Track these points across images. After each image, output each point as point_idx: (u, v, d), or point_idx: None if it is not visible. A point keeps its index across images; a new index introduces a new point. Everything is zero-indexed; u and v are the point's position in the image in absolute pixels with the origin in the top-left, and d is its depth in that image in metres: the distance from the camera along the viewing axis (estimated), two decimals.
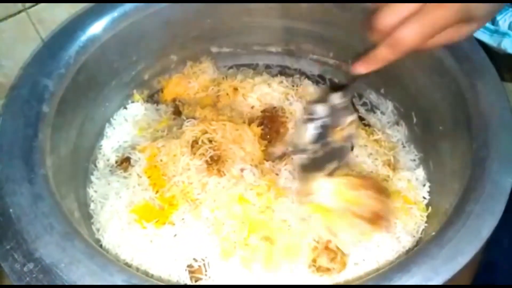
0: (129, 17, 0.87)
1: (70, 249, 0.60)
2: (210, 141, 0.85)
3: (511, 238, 0.84)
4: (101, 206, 0.83)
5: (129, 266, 0.75)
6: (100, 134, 0.95)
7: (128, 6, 0.87)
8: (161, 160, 0.85)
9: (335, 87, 0.67)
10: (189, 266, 0.76)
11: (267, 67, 1.11)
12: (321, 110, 0.67)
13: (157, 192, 0.82)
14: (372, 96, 1.04)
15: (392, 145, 0.95)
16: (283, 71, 1.10)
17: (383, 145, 0.94)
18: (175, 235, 0.78)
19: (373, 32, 0.53)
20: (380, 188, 0.76)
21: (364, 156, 0.90)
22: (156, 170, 0.84)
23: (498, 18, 0.91)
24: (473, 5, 0.51)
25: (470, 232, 0.63)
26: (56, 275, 0.58)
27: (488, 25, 0.92)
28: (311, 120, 0.68)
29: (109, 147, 0.93)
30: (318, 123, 0.68)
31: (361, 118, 1.00)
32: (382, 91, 1.02)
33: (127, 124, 0.96)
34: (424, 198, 0.87)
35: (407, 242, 0.80)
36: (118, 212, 0.80)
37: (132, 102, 1.00)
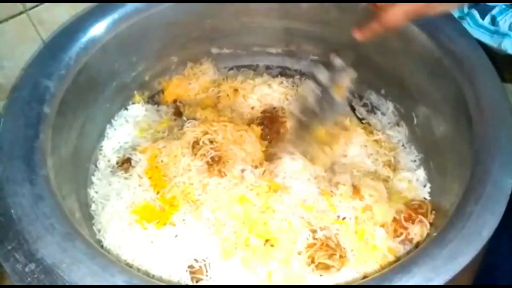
0: (130, 18, 0.87)
1: (71, 250, 0.60)
2: (211, 142, 0.85)
3: None
4: (102, 207, 0.83)
5: (130, 266, 0.75)
6: (101, 135, 0.95)
7: (128, 7, 0.87)
8: (162, 161, 0.85)
9: (335, 49, 0.74)
10: (190, 266, 0.77)
11: (268, 68, 1.11)
12: (322, 72, 0.75)
13: (158, 192, 0.82)
14: (373, 97, 1.04)
15: (392, 145, 0.96)
16: (284, 72, 1.10)
17: (384, 146, 0.94)
18: (176, 236, 0.78)
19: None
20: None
21: (365, 156, 0.91)
22: (157, 171, 0.84)
23: (499, 18, 0.91)
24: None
25: (471, 233, 0.63)
26: (58, 276, 0.58)
27: (488, 25, 0.92)
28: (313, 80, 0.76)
29: (110, 148, 0.93)
30: (319, 83, 0.76)
31: (361, 119, 1.00)
32: (382, 91, 1.02)
33: (128, 125, 0.96)
34: (425, 198, 0.87)
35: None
36: (119, 213, 0.80)
37: (133, 103, 1.00)
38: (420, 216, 0.80)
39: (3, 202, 0.64)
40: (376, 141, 0.94)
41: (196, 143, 0.85)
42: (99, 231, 0.81)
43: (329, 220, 0.79)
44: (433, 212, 0.81)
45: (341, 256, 0.76)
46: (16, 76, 0.82)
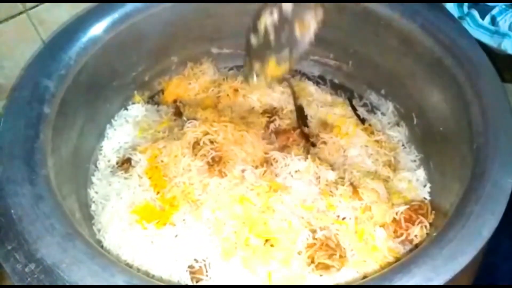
0: (130, 18, 0.87)
1: (71, 250, 0.60)
2: (212, 142, 0.85)
3: None
4: (102, 207, 0.83)
5: (130, 266, 0.76)
6: (101, 135, 0.95)
7: (128, 7, 0.87)
8: (162, 161, 0.85)
9: None
10: (190, 266, 0.76)
11: None
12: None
13: (158, 193, 0.82)
14: (373, 97, 1.04)
15: (392, 145, 0.96)
16: None
17: (384, 146, 0.94)
18: (176, 236, 0.78)
19: None
20: None
21: (365, 156, 0.90)
22: (157, 171, 0.84)
23: (499, 19, 0.91)
24: None
25: (471, 233, 0.63)
26: (58, 276, 0.58)
27: (488, 25, 0.92)
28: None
29: (110, 148, 0.93)
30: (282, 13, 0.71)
31: (362, 120, 1.00)
32: (382, 92, 1.02)
33: (128, 125, 0.96)
34: (425, 198, 0.87)
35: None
36: (119, 213, 0.80)
37: (133, 103, 1.00)
38: (421, 217, 0.80)
39: (3, 202, 0.64)
40: (376, 141, 0.94)
41: (196, 143, 0.85)
42: (99, 231, 0.81)
43: (329, 220, 0.79)
44: (433, 212, 0.81)
45: (341, 256, 0.76)
46: (16, 76, 0.82)
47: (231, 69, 1.10)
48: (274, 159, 0.86)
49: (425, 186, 0.89)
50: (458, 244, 0.62)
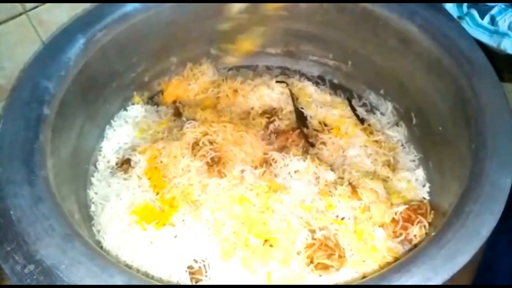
0: (129, 19, 0.87)
1: (70, 251, 0.60)
2: (211, 143, 0.85)
3: (510, 238, 0.84)
4: (101, 208, 0.83)
5: (130, 267, 0.76)
6: (100, 136, 0.95)
7: (127, 8, 0.87)
8: (161, 162, 0.85)
9: None
10: (190, 267, 0.76)
11: (267, 68, 1.11)
12: None
13: (157, 193, 0.82)
14: (372, 97, 1.04)
15: (391, 145, 0.96)
16: (283, 73, 1.10)
17: (383, 146, 0.94)
18: (176, 236, 0.78)
19: None
20: None
21: (364, 156, 0.91)
22: (156, 172, 0.84)
23: (498, 18, 0.91)
24: None
25: (470, 232, 0.63)
26: (57, 277, 0.58)
27: (487, 25, 0.92)
28: None
29: (110, 148, 0.93)
30: None
31: (362, 120, 1.00)
32: (381, 92, 1.02)
33: (128, 125, 0.96)
34: (424, 198, 0.87)
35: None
36: (118, 214, 0.80)
37: (132, 104, 1.00)
38: (420, 217, 0.80)
39: (3, 203, 0.64)
40: (376, 141, 0.94)
41: (196, 143, 0.86)
42: (99, 232, 0.81)
43: (328, 220, 0.79)
44: (432, 212, 0.81)
45: (340, 256, 0.76)
46: (15, 77, 0.82)
47: (230, 69, 1.10)
48: (273, 159, 0.87)
49: (424, 186, 0.89)
50: (457, 243, 0.62)
